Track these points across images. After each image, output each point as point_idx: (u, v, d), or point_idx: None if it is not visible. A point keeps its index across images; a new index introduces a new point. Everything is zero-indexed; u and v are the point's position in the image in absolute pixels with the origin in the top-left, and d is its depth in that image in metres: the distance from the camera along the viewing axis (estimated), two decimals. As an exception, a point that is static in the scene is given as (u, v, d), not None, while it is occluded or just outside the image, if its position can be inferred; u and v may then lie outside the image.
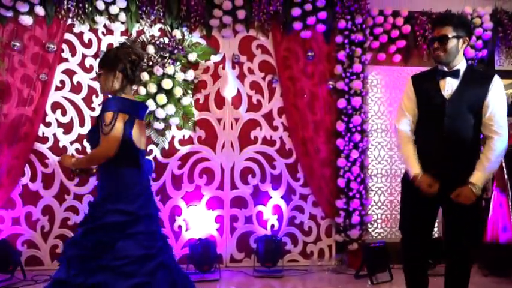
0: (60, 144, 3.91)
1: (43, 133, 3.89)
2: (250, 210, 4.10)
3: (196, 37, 4.06)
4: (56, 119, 3.92)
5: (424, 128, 2.45)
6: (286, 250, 4.07)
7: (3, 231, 3.78)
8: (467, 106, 2.33)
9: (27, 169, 3.85)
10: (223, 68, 4.12)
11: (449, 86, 2.37)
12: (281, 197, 4.14)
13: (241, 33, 4.14)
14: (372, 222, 4.29)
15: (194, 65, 4.03)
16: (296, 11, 4.03)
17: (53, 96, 3.91)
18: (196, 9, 3.95)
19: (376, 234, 4.31)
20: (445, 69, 2.39)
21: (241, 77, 4.15)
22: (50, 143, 3.89)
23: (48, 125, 3.90)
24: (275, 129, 4.17)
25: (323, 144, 4.11)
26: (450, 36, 2.31)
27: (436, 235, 4.30)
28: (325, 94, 4.14)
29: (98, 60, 2.40)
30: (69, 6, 3.82)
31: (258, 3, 4.01)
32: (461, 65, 2.39)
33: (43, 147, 3.88)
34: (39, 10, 3.77)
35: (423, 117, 2.45)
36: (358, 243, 3.99)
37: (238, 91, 4.14)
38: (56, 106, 3.92)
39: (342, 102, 4.07)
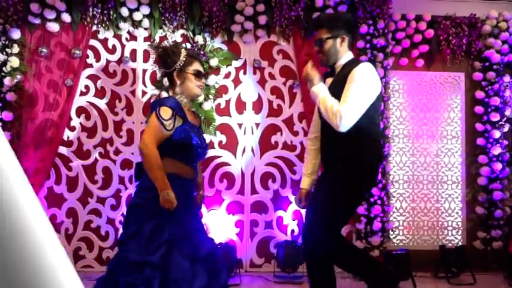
0: (84, 148, 3.98)
1: (68, 137, 3.97)
2: (270, 215, 4.10)
3: (217, 42, 4.09)
4: (80, 123, 4.00)
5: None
6: (306, 256, 4.05)
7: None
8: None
9: (52, 172, 3.94)
10: (244, 73, 4.15)
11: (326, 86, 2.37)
12: (301, 203, 4.12)
13: (262, 39, 4.15)
14: (394, 229, 4.23)
15: (215, 70, 4.06)
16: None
17: (78, 101, 3.99)
18: (218, 15, 3.99)
19: (398, 241, 4.25)
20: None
21: (262, 82, 4.16)
22: (74, 147, 3.97)
23: (72, 129, 3.99)
24: (295, 134, 4.16)
25: (344, 149, 4.08)
26: (324, 38, 2.30)
27: (460, 243, 4.22)
28: (346, 99, 4.11)
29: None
30: (95, 13, 3.89)
31: (279, 8, 4.03)
32: (340, 62, 2.34)
33: (68, 151, 3.96)
34: (66, 17, 3.86)
35: None
36: (380, 250, 3.94)
37: (259, 96, 4.15)
38: (80, 111, 4.00)
39: (363, 108, 4.03)
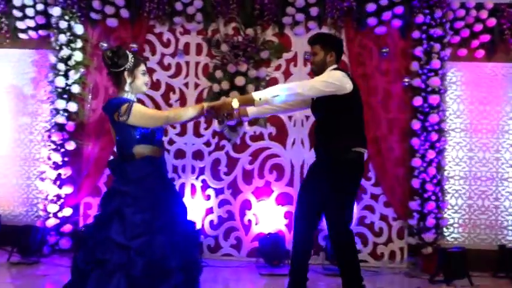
0: (140, 138, 4.17)
1: (125, 127, 4.17)
2: (319, 208, 4.08)
3: (268, 35, 4.11)
4: (137, 114, 4.18)
5: None
6: (355, 250, 4.00)
7: (90, 217, 4.12)
8: (323, 103, 2.69)
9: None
10: (295, 65, 4.14)
11: None
12: (351, 196, 4.07)
13: (313, 31, 4.10)
14: (448, 227, 4.06)
15: (266, 63, 4.09)
16: (371, 7, 3.94)
17: (135, 93, 4.17)
18: (270, 8, 4.01)
19: (453, 239, 4.09)
20: None
21: (312, 74, 4.12)
22: (131, 137, 4.17)
23: (129, 119, 4.17)
24: (346, 127, 4.10)
25: (397, 143, 3.99)
26: (317, 52, 2.75)
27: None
28: (399, 91, 4.01)
29: None
30: (151, 8, 4.05)
31: (331, -1, 3.99)
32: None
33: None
34: (124, 13, 4.05)
35: None
36: (433, 247, 3.81)
37: (310, 88, 4.13)
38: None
39: (418, 100, 3.91)
